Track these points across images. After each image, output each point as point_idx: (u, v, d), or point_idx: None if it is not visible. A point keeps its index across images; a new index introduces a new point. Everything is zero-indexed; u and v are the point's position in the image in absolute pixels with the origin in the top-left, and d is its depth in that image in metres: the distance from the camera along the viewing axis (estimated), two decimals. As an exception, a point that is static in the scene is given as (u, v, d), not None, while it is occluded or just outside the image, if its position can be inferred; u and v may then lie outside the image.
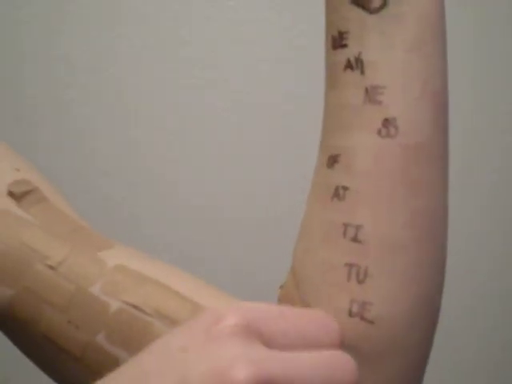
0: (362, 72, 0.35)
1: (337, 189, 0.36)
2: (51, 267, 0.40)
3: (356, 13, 0.35)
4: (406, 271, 0.36)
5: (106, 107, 1.11)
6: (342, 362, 0.31)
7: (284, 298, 0.39)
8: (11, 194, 0.43)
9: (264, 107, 1.11)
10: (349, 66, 0.36)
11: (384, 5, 0.35)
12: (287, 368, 0.29)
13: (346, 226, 0.36)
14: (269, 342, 0.30)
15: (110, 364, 0.38)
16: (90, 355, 0.39)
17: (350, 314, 0.35)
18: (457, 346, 1.15)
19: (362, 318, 0.35)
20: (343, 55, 0.36)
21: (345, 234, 0.36)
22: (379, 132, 0.35)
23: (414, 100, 0.35)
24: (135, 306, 0.39)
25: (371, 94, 0.35)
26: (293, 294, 0.38)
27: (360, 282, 0.35)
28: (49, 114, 1.10)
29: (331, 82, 0.37)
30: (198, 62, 1.11)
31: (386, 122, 0.35)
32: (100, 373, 0.36)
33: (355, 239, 0.36)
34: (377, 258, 0.35)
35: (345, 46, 0.36)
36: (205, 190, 1.12)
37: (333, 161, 0.37)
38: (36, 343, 0.41)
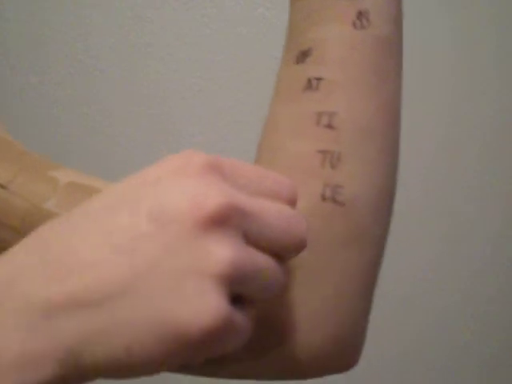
0: None
1: (309, 81, 0.38)
2: (1, 186, 0.39)
3: None
4: (374, 156, 0.38)
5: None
6: (297, 217, 0.32)
7: None
8: None
9: (264, 107, 1.11)
10: None
11: None
12: (253, 204, 0.30)
13: (319, 114, 0.37)
14: (232, 184, 0.30)
15: None
16: None
17: (323, 199, 0.37)
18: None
19: (335, 201, 0.37)
20: None
21: (318, 122, 0.37)
22: (354, 24, 0.37)
23: None
24: None
25: None
26: None
27: (333, 167, 0.37)
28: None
29: None
30: (197, 61, 1.11)
31: (360, 15, 0.37)
32: None
33: (329, 126, 0.37)
34: (350, 143, 0.37)
35: None
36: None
37: (303, 55, 0.38)
38: None
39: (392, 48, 0.39)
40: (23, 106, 1.11)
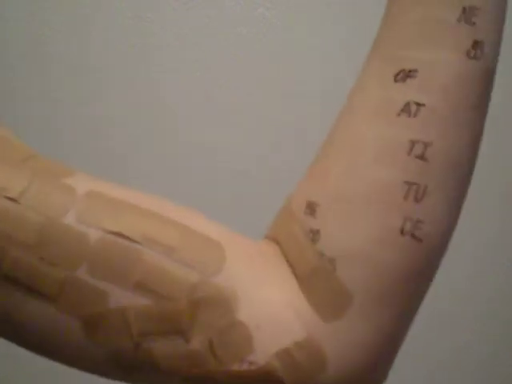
0: None
1: (407, 104, 0.35)
2: (12, 199, 0.34)
3: None
4: (456, 193, 0.36)
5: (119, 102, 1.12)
6: None
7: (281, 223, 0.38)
8: None
9: (264, 107, 1.11)
10: None
11: None
12: None
13: (413, 142, 0.35)
14: None
15: (95, 299, 0.35)
16: (70, 293, 0.35)
17: (402, 232, 0.35)
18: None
19: (413, 236, 0.35)
20: None
21: (410, 151, 0.35)
22: (468, 53, 0.36)
23: (499, 26, 0.37)
24: (119, 234, 0.35)
25: (468, 15, 0.36)
26: (299, 218, 0.37)
27: (417, 200, 0.35)
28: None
29: None
30: (197, 61, 1.11)
31: (476, 44, 0.36)
32: (80, 311, 0.35)
33: (422, 157, 0.35)
34: (437, 177, 0.35)
35: None
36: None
37: (405, 75, 0.36)
38: None
39: (493, 82, 0.37)
40: (23, 106, 1.11)
